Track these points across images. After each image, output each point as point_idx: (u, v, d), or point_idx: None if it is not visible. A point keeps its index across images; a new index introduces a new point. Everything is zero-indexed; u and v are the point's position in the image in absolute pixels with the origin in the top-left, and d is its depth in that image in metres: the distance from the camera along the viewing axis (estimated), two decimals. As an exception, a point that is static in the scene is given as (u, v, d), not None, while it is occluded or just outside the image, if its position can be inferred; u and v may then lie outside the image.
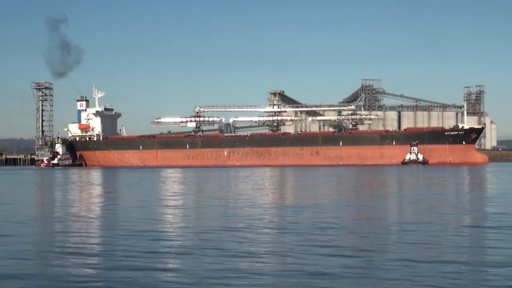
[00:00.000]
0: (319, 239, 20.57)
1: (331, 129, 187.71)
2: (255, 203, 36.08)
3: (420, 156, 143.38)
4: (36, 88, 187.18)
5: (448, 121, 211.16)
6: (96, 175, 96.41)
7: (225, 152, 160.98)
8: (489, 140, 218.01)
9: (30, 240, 21.73)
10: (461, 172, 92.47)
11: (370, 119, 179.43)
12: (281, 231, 23.04)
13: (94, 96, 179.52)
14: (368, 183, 61.86)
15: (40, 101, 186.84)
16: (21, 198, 44.94)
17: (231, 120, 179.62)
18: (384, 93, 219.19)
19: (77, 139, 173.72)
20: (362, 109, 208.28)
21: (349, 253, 17.86)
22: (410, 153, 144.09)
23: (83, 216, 29.93)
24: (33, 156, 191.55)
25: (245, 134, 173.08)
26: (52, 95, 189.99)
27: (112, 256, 17.89)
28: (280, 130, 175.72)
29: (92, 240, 21.91)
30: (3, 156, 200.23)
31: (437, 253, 17.85)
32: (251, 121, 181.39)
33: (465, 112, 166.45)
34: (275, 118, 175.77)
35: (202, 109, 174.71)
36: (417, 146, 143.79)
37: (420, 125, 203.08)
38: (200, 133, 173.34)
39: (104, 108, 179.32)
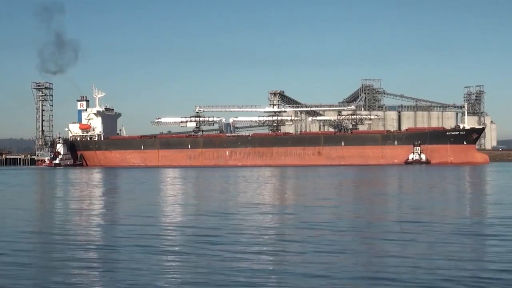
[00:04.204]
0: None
1: (331, 129, 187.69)
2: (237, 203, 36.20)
3: (423, 156, 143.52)
4: (36, 88, 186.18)
5: (448, 121, 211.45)
6: (103, 176, 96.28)
7: (227, 152, 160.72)
8: (489, 140, 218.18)
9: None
10: (473, 172, 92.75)
11: (370, 119, 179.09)
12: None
13: (95, 96, 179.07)
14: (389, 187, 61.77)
15: (40, 101, 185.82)
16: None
17: (231, 120, 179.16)
18: (384, 93, 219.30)
19: (78, 139, 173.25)
20: (362, 109, 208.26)
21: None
22: (413, 153, 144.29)
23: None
24: (33, 156, 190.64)
25: (247, 134, 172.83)
26: (52, 95, 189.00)
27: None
28: (280, 130, 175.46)
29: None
30: (3, 156, 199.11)
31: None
32: (251, 121, 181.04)
33: (466, 112, 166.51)
34: (275, 118, 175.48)
35: (202, 109, 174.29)
36: (420, 146, 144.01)
37: (420, 125, 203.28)
38: (201, 133, 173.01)
39: (105, 108, 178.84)
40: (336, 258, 17.67)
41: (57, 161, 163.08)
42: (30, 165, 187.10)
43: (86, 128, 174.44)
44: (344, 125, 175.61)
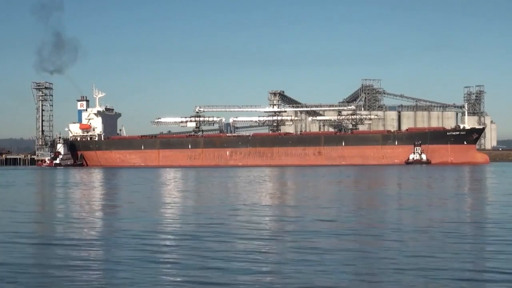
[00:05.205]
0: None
1: (331, 129, 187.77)
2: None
3: (424, 156, 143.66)
4: (36, 88, 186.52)
5: (448, 121, 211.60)
6: (103, 176, 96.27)
7: (227, 152, 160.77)
8: (489, 140, 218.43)
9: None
10: (473, 172, 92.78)
11: (370, 119, 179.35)
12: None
13: (95, 96, 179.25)
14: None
15: (40, 101, 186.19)
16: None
17: (231, 120, 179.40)
18: (384, 93, 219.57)
19: (78, 139, 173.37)
20: (362, 109, 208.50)
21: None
22: (414, 153, 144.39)
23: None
24: (33, 156, 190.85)
25: (247, 134, 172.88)
26: (52, 95, 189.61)
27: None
28: (280, 130, 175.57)
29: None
30: (3, 156, 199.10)
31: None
32: (251, 121, 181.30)
33: (466, 112, 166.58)
34: (275, 118, 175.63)
35: (202, 109, 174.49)
36: (420, 146, 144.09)
37: (420, 125, 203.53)
38: (201, 133, 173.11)
39: (105, 108, 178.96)
40: (329, 264, 17.59)
41: (57, 161, 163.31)
42: (30, 165, 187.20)
43: (86, 128, 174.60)
44: (344, 125, 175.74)
